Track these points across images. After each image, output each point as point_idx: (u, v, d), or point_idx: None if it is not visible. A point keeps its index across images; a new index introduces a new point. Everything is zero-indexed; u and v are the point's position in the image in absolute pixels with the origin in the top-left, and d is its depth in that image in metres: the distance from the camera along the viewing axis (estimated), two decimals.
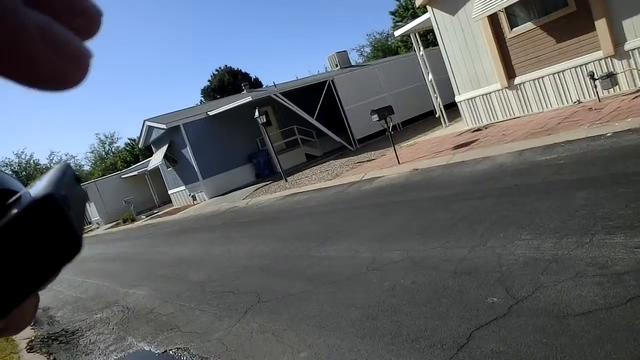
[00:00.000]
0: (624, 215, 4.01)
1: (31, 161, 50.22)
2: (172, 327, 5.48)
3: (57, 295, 9.95)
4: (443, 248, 4.82)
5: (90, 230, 33.47)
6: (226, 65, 47.78)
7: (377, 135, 20.17)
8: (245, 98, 19.14)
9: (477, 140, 10.53)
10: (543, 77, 11.01)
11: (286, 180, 16.25)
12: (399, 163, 11.16)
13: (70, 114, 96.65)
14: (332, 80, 20.14)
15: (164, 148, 22.24)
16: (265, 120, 16.64)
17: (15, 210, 0.24)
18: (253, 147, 21.68)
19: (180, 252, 10.70)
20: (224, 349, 4.36)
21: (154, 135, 23.13)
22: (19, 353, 6.37)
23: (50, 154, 67.73)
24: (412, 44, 18.14)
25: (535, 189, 5.78)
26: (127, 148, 52.92)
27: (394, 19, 40.65)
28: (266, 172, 21.16)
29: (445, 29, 12.82)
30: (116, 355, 5.30)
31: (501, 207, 5.47)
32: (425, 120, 21.41)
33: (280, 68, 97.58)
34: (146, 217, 25.71)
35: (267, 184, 17.91)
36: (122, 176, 33.43)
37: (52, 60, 0.21)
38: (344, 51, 26.97)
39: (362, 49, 48.58)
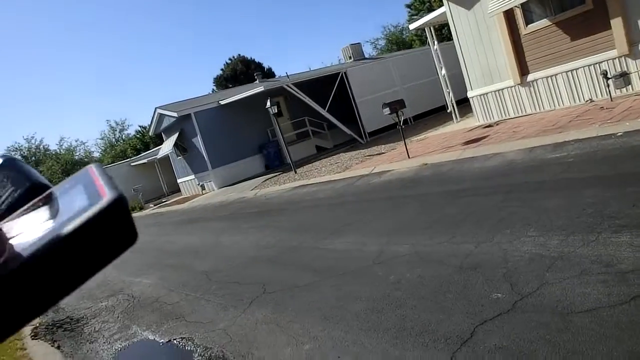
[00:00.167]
0: (631, 215, 4.00)
1: (41, 146, 50.60)
2: (177, 317, 5.53)
3: None
4: (450, 243, 4.83)
5: None
6: (239, 55, 47.76)
7: (388, 129, 20.11)
8: (257, 88, 19.16)
9: (487, 136, 10.48)
10: (556, 74, 10.91)
11: (296, 172, 16.29)
12: (409, 157, 11.14)
13: (82, 100, 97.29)
14: (345, 72, 20.09)
15: (175, 136, 22.36)
16: (276, 111, 16.66)
17: (98, 207, 0.31)
18: (263, 138, 21.72)
19: (187, 242, 10.80)
20: (228, 339, 4.41)
21: (165, 123, 23.24)
22: (23, 340, 6.40)
23: (60, 140, 68.14)
24: (426, 38, 18.03)
25: (544, 186, 5.76)
26: (138, 135, 53.19)
27: (409, 12, 40.36)
28: (276, 163, 21.20)
29: (460, 24, 12.73)
30: (120, 344, 5.36)
31: (509, 204, 5.46)
32: (436, 115, 21.30)
33: (293, 59, 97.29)
34: (154, 205, 25.92)
35: (276, 175, 17.96)
36: (132, 164, 33.62)
37: None
38: (358, 43, 26.87)
39: (376, 42, 48.29)
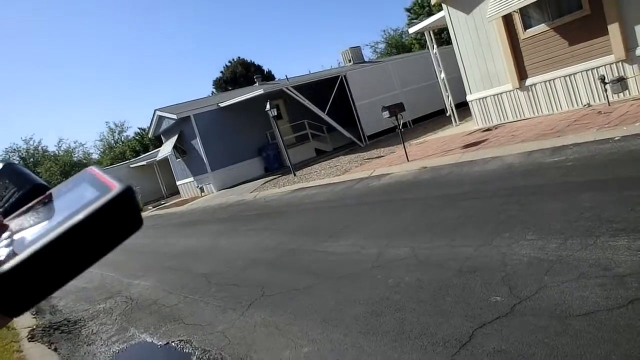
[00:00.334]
0: (628, 219, 4.02)
1: (39, 148, 50.40)
2: (176, 319, 5.53)
3: None
4: (449, 246, 4.84)
5: None
6: (239, 57, 47.82)
7: (387, 132, 20.16)
8: (257, 90, 19.20)
9: (486, 140, 10.51)
10: (554, 79, 10.96)
11: (295, 175, 16.30)
12: (408, 160, 11.16)
13: (81, 101, 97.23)
14: (344, 76, 20.15)
15: (174, 138, 22.37)
16: (276, 114, 16.68)
17: (111, 194, 0.35)
18: (263, 140, 21.74)
19: (186, 244, 10.80)
20: (226, 342, 4.41)
21: (164, 125, 23.26)
22: (19, 342, 6.34)
23: (59, 141, 67.85)
24: (426, 41, 18.08)
25: (543, 190, 5.78)
26: (137, 137, 53.15)
27: (409, 16, 40.50)
28: (275, 166, 21.22)
29: (459, 28, 12.78)
30: (118, 346, 5.35)
31: (508, 207, 5.48)
32: (435, 118, 21.35)
33: (293, 61, 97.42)
34: (153, 207, 25.90)
35: (275, 178, 17.98)
36: (131, 166, 33.63)
37: None
38: (358, 47, 26.95)
39: (375, 45, 48.38)
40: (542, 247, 4.05)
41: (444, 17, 13.22)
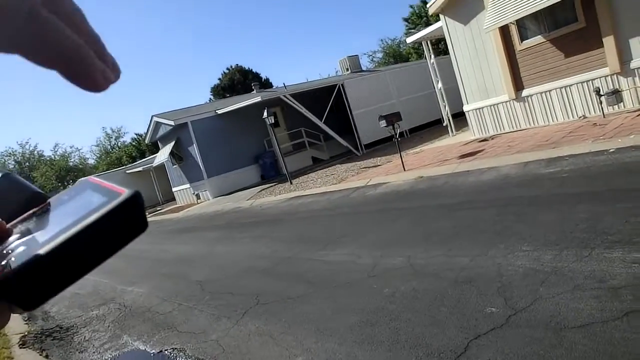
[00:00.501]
0: (623, 231, 4.04)
1: (35, 152, 50.22)
2: (169, 327, 5.49)
3: None
4: (445, 256, 4.84)
5: None
6: (237, 64, 47.96)
7: (384, 141, 20.20)
8: (254, 98, 19.23)
9: (483, 150, 10.55)
10: (550, 90, 11.03)
11: (291, 183, 16.30)
12: (404, 170, 11.18)
13: (77, 106, 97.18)
14: (342, 84, 20.21)
15: (171, 145, 22.34)
16: (273, 121, 16.70)
17: (122, 197, 0.36)
18: (260, 148, 21.74)
19: (181, 251, 10.76)
20: (220, 350, 4.38)
21: (162, 131, 23.25)
22: (10, 349, 6.26)
23: (55, 146, 67.92)
24: (423, 51, 18.19)
25: (538, 201, 5.79)
26: (134, 143, 53.11)
27: (406, 26, 40.76)
28: (272, 174, 21.21)
29: (456, 38, 12.87)
30: (110, 354, 5.29)
31: (504, 218, 5.49)
32: (432, 128, 21.43)
33: (291, 70, 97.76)
34: (149, 214, 25.82)
35: (272, 186, 17.97)
36: (127, 171, 33.54)
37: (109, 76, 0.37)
38: (356, 55, 27.08)
39: (373, 54, 48.65)
40: (538, 258, 4.05)
41: (441, 27, 13.31)
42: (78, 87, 0.35)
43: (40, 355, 5.92)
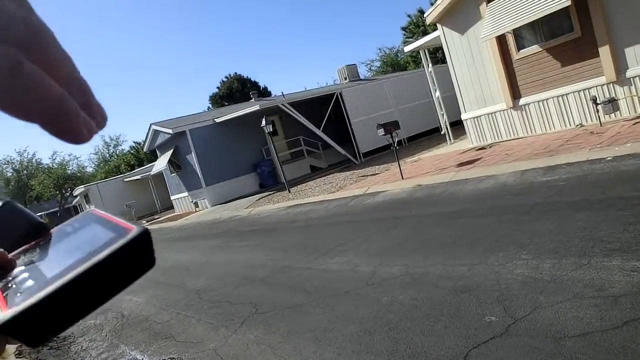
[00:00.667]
0: (621, 239, 4.04)
1: (33, 160, 50.02)
2: (167, 336, 5.46)
3: None
4: (443, 265, 4.83)
5: None
6: (236, 73, 48.16)
7: (382, 150, 20.24)
8: (252, 106, 19.26)
9: (480, 158, 10.57)
10: (547, 99, 11.09)
11: (289, 191, 16.29)
12: (402, 178, 11.19)
13: None
14: (340, 93, 20.27)
15: (169, 153, 22.34)
16: (271, 130, 16.72)
17: (131, 235, 0.36)
18: (258, 156, 21.75)
19: (179, 259, 10.72)
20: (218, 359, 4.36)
21: (160, 139, 23.25)
22: (7, 358, 6.24)
23: (53, 154, 67.67)
24: (421, 60, 18.29)
25: (536, 209, 5.80)
26: (132, 151, 53.08)
27: (404, 35, 40.96)
28: (270, 182, 21.20)
29: (454, 47, 12.94)
30: None
31: (502, 226, 5.49)
32: (430, 136, 21.48)
33: (289, 78, 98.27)
34: (147, 222, 25.77)
35: (270, 194, 17.95)
36: (125, 180, 33.50)
37: (84, 131, 0.35)
38: (354, 64, 27.19)
39: (371, 63, 48.81)
40: (537, 266, 4.05)
41: (439, 36, 13.39)
42: (60, 141, 0.34)
43: None
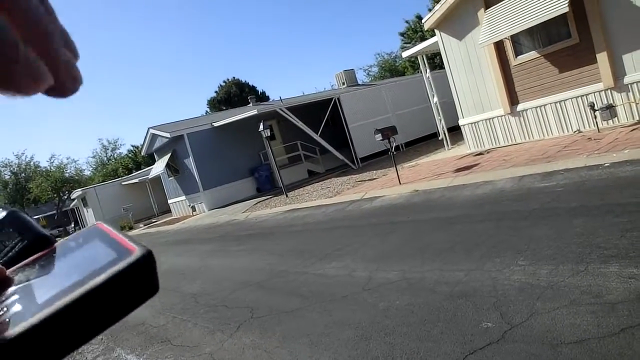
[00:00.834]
0: (618, 245, 4.03)
1: (31, 163, 49.92)
2: (163, 340, 5.43)
3: None
4: (440, 270, 4.82)
5: None
6: (234, 77, 48.21)
7: (379, 155, 20.25)
8: (250, 111, 19.27)
9: (478, 164, 10.58)
10: (545, 105, 11.12)
11: (287, 196, 16.27)
12: (400, 183, 11.19)
13: (74, 117, 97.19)
14: (338, 98, 20.29)
15: (167, 157, 22.32)
16: (269, 134, 16.72)
17: (132, 258, 0.33)
18: (255, 161, 21.74)
19: (176, 263, 10.68)
20: None
21: (158, 143, 23.23)
22: None
23: (51, 157, 67.73)
24: (419, 65, 18.34)
25: (533, 215, 5.79)
26: (130, 155, 53.04)
27: (402, 40, 41.09)
28: (267, 187, 21.18)
29: (452, 53, 12.98)
30: None
31: (499, 232, 5.48)
32: (428, 142, 21.51)
33: (287, 83, 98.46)
34: (144, 225, 25.70)
35: (267, 199, 17.93)
36: (123, 183, 33.45)
37: (70, 82, 0.32)
38: (352, 69, 27.23)
39: (369, 69, 48.90)
40: (534, 272, 4.04)
41: (436, 42, 13.43)
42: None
43: None
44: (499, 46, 11.61)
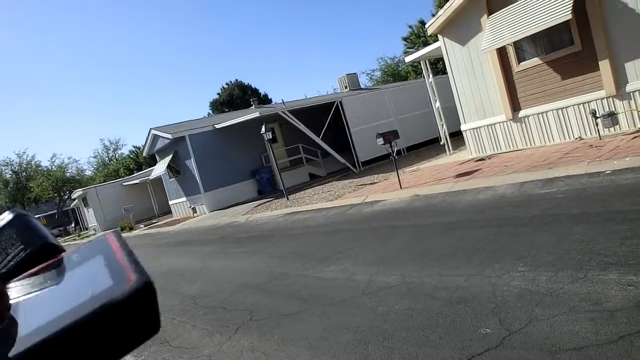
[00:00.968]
0: (618, 252, 4.03)
1: (32, 162, 50.01)
2: (161, 342, 5.42)
3: None
4: (439, 275, 4.82)
5: (87, 236, 33.42)
6: (237, 80, 48.29)
7: (381, 159, 20.25)
8: (252, 113, 19.30)
9: (479, 169, 10.58)
10: (547, 112, 11.12)
11: (288, 199, 16.27)
12: (401, 188, 11.19)
13: (76, 117, 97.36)
14: (340, 102, 20.31)
15: (168, 158, 22.34)
16: (271, 137, 16.74)
17: (127, 288, 0.29)
18: (257, 163, 21.76)
19: (176, 264, 10.68)
20: None
21: (159, 144, 23.26)
22: None
23: (53, 156, 67.95)
24: (421, 70, 18.35)
25: (534, 222, 5.79)
26: (131, 155, 53.11)
27: (405, 45, 41.13)
28: (268, 189, 21.19)
29: (454, 59, 13.00)
30: None
31: (499, 238, 5.48)
32: (429, 146, 21.51)
33: (290, 86, 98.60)
34: (145, 226, 25.70)
35: (268, 201, 17.93)
36: (124, 184, 33.47)
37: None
38: (354, 73, 27.25)
39: (372, 73, 48.92)
40: (533, 279, 4.04)
41: (439, 47, 13.45)
42: None
43: None
44: (502, 52, 11.63)
